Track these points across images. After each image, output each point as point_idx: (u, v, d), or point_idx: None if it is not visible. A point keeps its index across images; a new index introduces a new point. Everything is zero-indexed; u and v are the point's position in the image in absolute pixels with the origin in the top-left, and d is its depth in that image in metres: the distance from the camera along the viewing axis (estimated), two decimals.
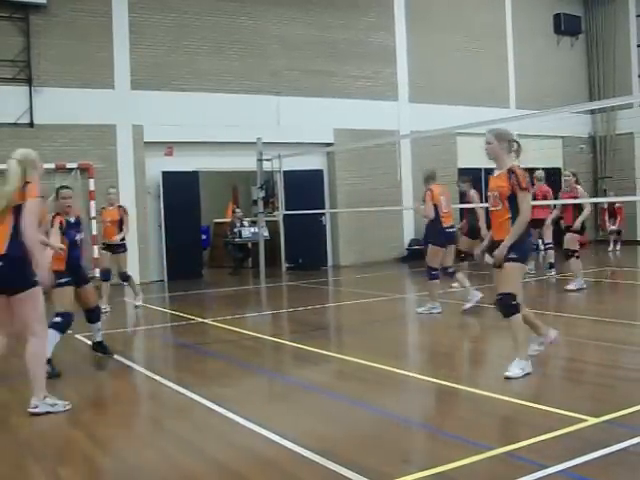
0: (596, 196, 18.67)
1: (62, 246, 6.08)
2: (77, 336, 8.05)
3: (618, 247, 17.57)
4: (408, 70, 17.03)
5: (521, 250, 5.40)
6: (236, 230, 15.71)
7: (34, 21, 12.92)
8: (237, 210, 16.47)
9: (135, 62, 13.85)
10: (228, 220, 17.39)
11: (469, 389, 5.23)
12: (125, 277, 10.26)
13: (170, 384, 5.74)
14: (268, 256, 14.24)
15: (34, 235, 4.77)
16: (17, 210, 4.73)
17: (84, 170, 13.28)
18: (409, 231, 16.86)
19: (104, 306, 9.36)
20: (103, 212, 10.40)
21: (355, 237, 16.19)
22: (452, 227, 8.95)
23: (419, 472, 3.61)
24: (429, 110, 16.59)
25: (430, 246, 8.86)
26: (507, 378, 5.29)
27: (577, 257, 10.11)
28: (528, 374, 5.36)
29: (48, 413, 4.91)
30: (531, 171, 17.88)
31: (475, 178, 16.04)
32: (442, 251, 8.74)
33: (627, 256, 16.43)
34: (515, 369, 5.34)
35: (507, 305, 5.42)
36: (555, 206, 10.94)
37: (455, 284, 9.77)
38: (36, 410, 4.90)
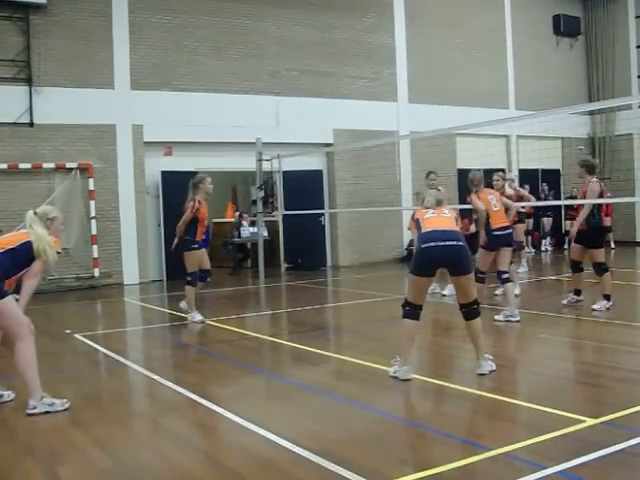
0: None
1: None
2: (76, 336, 8.07)
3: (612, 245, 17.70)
4: (407, 71, 17.02)
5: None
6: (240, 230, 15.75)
7: (34, 21, 12.91)
8: (244, 215, 16.38)
9: (135, 62, 13.84)
10: (229, 220, 17.38)
11: (468, 389, 5.24)
12: None
13: (169, 384, 5.75)
14: (267, 256, 14.25)
15: (34, 282, 5.05)
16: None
17: (84, 170, 13.26)
18: (408, 232, 16.86)
19: None
20: None
21: (354, 237, 16.20)
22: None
23: (417, 472, 3.62)
24: (428, 111, 16.59)
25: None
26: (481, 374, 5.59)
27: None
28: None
29: (47, 413, 4.92)
30: (533, 172, 18.19)
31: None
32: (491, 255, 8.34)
33: (627, 257, 16.43)
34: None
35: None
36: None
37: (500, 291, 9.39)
38: (34, 411, 4.91)
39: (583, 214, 8.46)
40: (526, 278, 12.36)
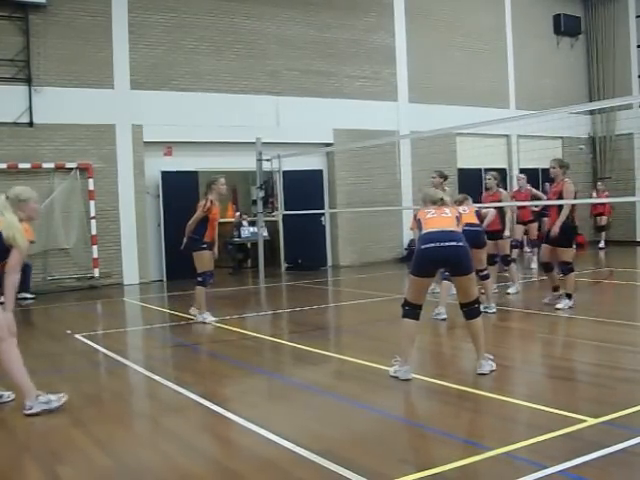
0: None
1: None
2: (76, 336, 8.06)
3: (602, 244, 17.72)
4: (408, 70, 17.02)
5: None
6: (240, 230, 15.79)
7: (33, 21, 12.90)
8: (244, 215, 16.42)
9: (134, 62, 13.83)
10: (229, 220, 17.38)
11: (468, 389, 5.23)
12: None
13: (169, 384, 5.74)
14: (267, 256, 14.24)
15: (15, 278, 4.88)
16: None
17: (83, 170, 13.25)
18: (408, 231, 16.84)
19: None
20: None
21: (354, 237, 16.19)
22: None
23: (418, 472, 3.61)
24: (429, 110, 16.59)
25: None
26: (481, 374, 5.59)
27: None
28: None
29: (45, 411, 4.90)
30: (533, 171, 18.16)
31: (475, 178, 16.24)
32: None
33: (628, 257, 16.42)
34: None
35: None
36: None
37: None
38: (31, 411, 4.89)
39: (564, 214, 8.58)
40: (530, 278, 12.37)
